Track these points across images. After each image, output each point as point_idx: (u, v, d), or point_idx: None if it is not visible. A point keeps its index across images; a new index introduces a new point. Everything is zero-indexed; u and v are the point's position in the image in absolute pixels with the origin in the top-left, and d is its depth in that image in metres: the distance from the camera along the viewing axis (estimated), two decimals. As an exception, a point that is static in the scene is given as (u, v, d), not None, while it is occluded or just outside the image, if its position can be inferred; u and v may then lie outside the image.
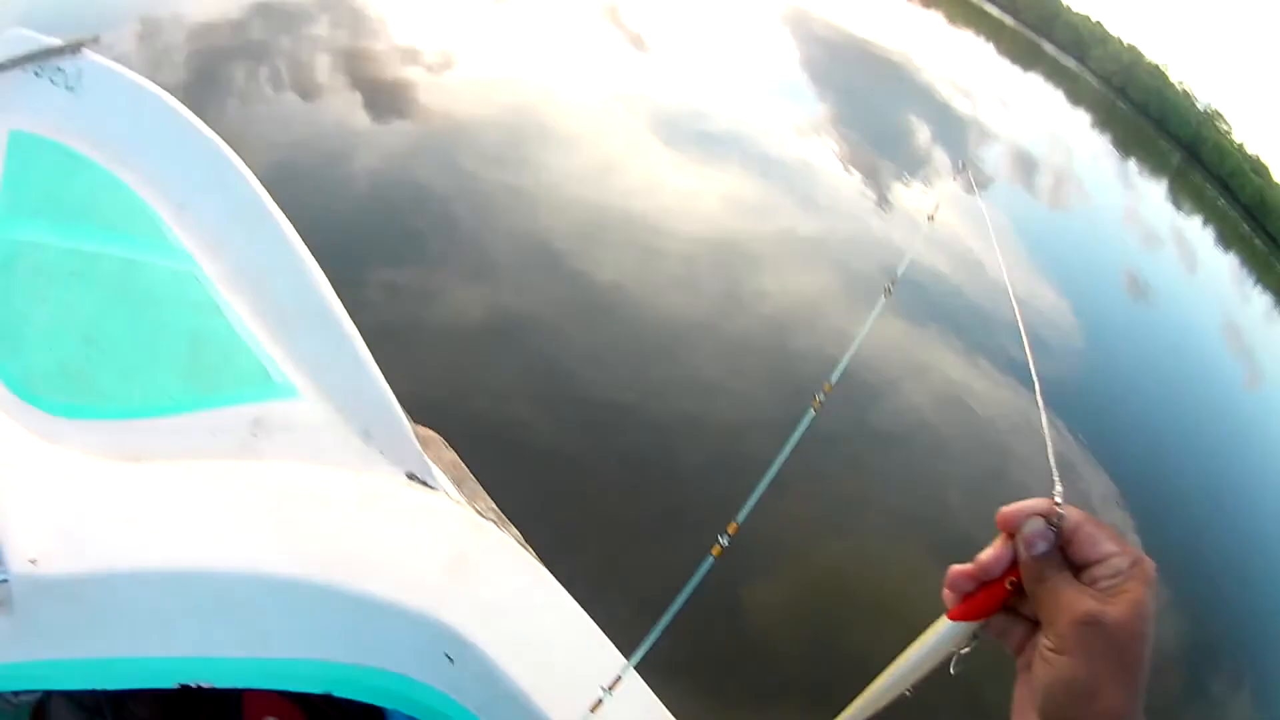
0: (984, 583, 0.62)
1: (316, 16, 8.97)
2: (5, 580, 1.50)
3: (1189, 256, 16.97)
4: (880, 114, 13.44)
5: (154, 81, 3.05)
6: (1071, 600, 0.57)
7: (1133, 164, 26.05)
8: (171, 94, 3.04)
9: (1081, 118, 30.05)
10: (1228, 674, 5.31)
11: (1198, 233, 22.13)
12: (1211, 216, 25.74)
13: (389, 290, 4.68)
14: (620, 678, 1.27)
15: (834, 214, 7.93)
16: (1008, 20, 55.94)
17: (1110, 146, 27.50)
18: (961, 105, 16.95)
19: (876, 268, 6.96)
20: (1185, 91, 51.87)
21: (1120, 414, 7.51)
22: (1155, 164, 29.59)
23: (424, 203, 5.83)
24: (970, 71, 22.17)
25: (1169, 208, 22.90)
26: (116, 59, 3.34)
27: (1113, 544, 0.59)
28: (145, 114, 3.15)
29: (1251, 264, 21.78)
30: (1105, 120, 32.80)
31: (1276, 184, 36.13)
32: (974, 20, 41.51)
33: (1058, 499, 0.61)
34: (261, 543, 1.41)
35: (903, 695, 0.66)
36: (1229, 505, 7.33)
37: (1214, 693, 5.07)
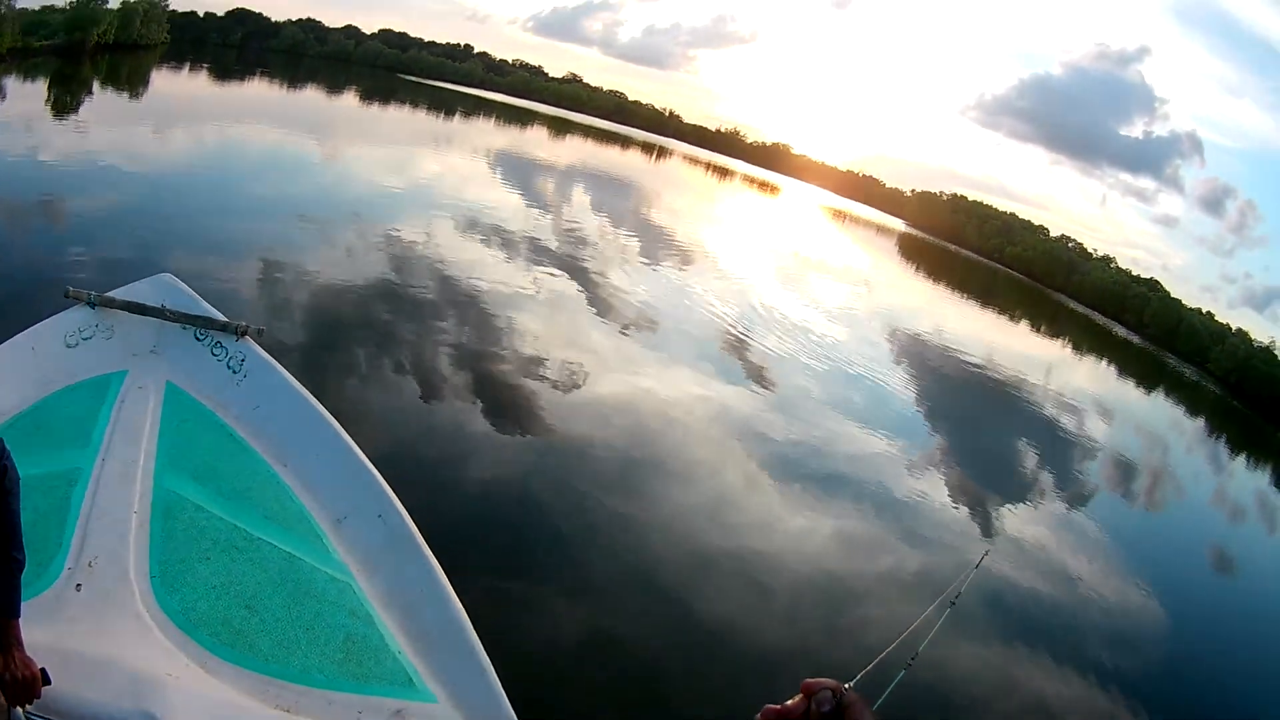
0: None
1: (443, 311, 10.66)
2: None
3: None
4: (992, 445, 14.60)
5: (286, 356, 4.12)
6: None
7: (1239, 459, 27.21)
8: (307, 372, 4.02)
9: (1197, 425, 31.30)
10: None
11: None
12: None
13: (492, 597, 4.95)
14: None
15: (939, 549, 8.54)
16: (1134, 339, 58.78)
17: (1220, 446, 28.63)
18: (1072, 428, 18.27)
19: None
20: None
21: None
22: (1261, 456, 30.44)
23: (533, 515, 6.32)
24: (1088, 396, 23.89)
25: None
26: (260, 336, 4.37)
27: None
28: (304, 422, 4.03)
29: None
30: (1220, 423, 33.99)
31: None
32: (1099, 344, 44.62)
33: (847, 686, 0.95)
34: None
35: None
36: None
37: None
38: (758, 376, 12.29)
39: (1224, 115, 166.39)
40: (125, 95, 28.11)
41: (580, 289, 14.06)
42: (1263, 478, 26.34)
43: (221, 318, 4.52)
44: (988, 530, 9.76)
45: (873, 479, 9.85)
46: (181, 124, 21.91)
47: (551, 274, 14.54)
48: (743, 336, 14.46)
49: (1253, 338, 61.94)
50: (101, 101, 24.60)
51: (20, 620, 2.25)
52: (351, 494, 3.64)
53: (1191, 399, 38.82)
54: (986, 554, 3.75)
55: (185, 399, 4.09)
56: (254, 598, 3.01)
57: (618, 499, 7.04)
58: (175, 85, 35.58)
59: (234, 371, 4.31)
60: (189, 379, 4.22)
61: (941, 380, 18.23)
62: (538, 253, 16.07)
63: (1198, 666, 8.56)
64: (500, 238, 16.47)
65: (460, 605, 3.09)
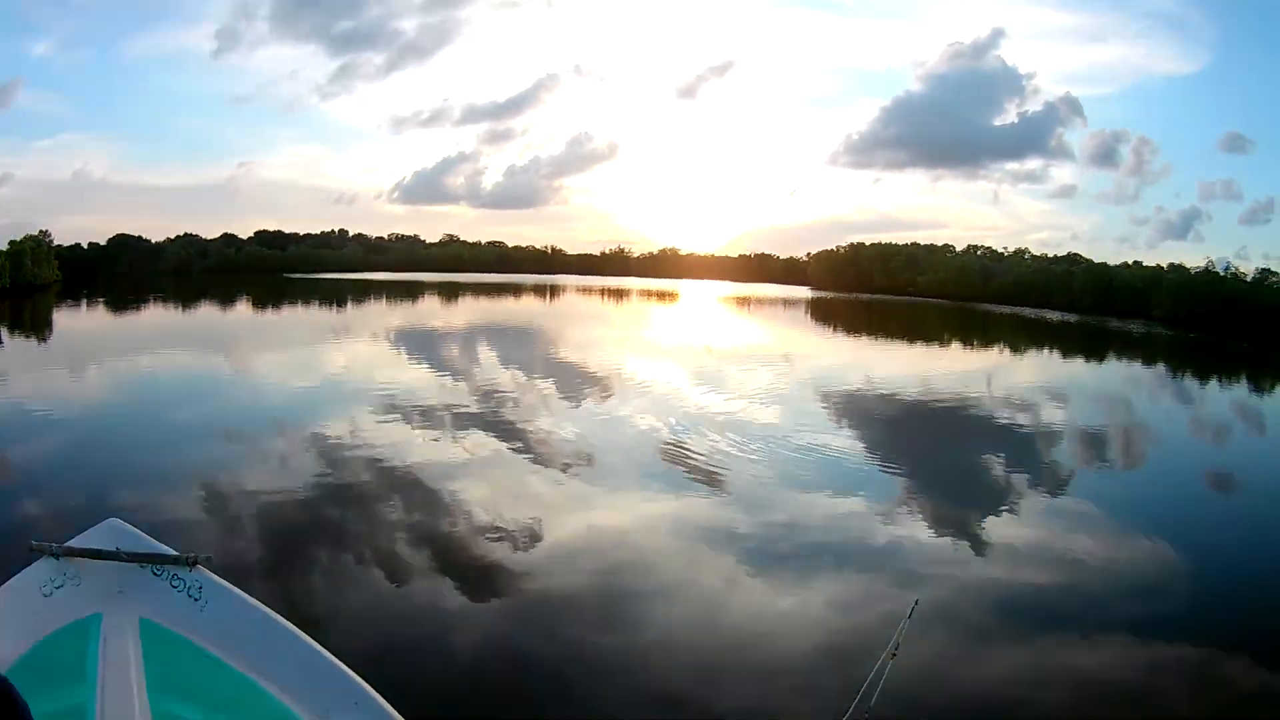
0: None
1: (388, 498, 10.75)
2: None
3: None
4: (957, 467, 14.89)
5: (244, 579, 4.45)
6: None
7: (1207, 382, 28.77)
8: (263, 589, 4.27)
9: (1158, 371, 32.73)
10: None
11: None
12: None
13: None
14: None
15: (933, 584, 8.49)
16: (1070, 318, 60.44)
17: (1183, 378, 30.28)
18: (1031, 423, 19.01)
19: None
20: (1236, 273, 55.01)
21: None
22: (1226, 367, 31.36)
23: (532, 675, 6.41)
24: (1041, 389, 25.21)
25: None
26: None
27: None
28: (271, 636, 4.31)
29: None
30: (1179, 360, 35.36)
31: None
32: (1037, 335, 46.10)
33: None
34: None
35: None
36: None
37: None
38: (705, 479, 12.33)
39: (1092, 64, 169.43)
40: (34, 340, 29.33)
41: (510, 444, 14.15)
42: (1238, 389, 27.07)
43: (172, 552, 4.86)
44: (977, 548, 9.90)
45: (847, 539, 9.98)
46: (95, 362, 23.41)
47: (480, 437, 14.68)
48: (679, 445, 14.52)
49: (1187, 266, 64.17)
50: (13, 349, 25.86)
51: None
52: (328, 689, 3.89)
53: (1145, 349, 39.91)
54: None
55: (159, 630, 4.42)
56: None
57: (610, 633, 7.22)
58: (79, 323, 37.04)
59: (195, 599, 4.63)
60: (158, 612, 4.55)
61: (888, 424, 18.63)
62: (460, 419, 16.21)
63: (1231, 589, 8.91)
64: (420, 413, 16.60)
65: None
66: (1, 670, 3.25)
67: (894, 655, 2.65)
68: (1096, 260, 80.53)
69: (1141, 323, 54.84)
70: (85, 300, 44.06)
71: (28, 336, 30.10)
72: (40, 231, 54.74)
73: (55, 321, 36.09)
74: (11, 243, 45.30)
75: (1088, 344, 43.26)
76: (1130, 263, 74.78)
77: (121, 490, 10.36)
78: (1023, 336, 47.29)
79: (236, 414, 16.51)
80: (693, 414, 17.86)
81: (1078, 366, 34.16)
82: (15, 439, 13.17)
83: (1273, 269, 54.83)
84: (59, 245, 57.84)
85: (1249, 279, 55.55)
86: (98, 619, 4.43)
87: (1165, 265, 67.63)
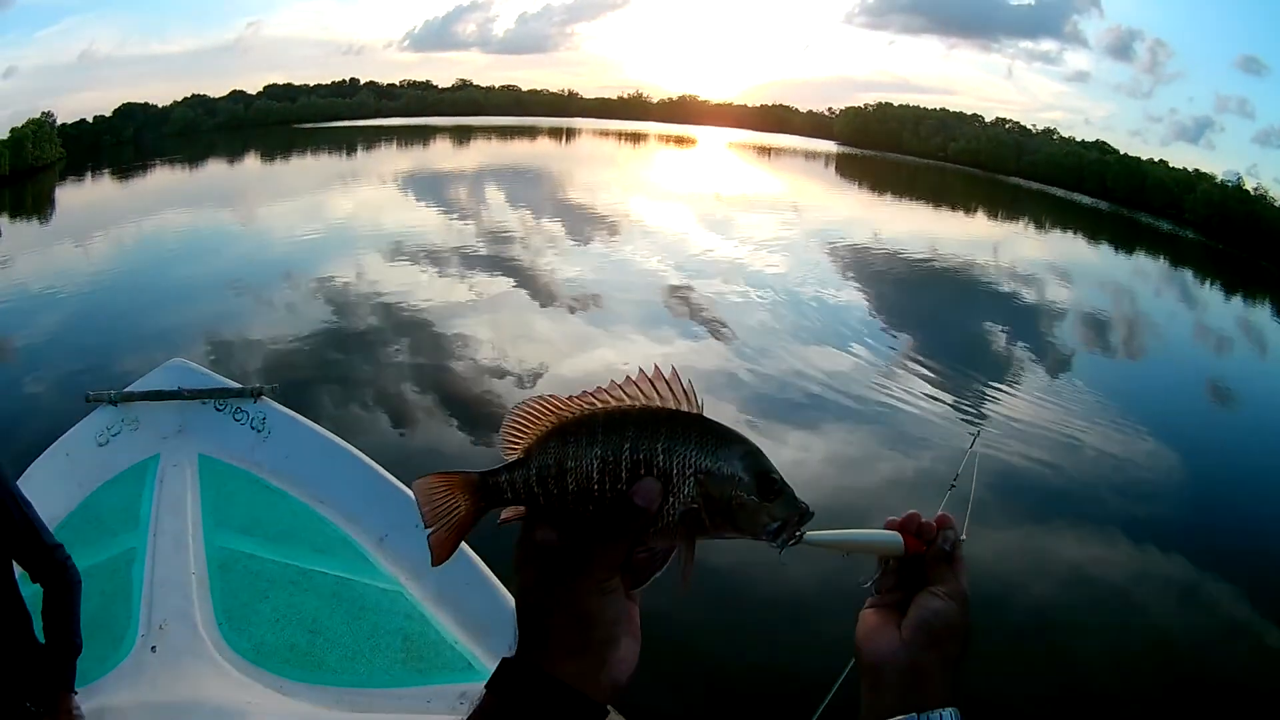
0: (920, 533, 1.03)
1: (395, 340, 11.22)
2: None
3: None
4: (965, 332, 15.18)
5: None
6: (957, 580, 1.02)
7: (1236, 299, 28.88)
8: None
9: (1189, 276, 32.75)
10: None
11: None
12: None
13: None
14: None
15: (930, 445, 9.07)
16: (1101, 205, 60.09)
17: (1215, 293, 30.29)
18: (1055, 300, 19.16)
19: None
20: (1266, 196, 55.43)
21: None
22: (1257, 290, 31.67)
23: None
24: (1068, 270, 24.82)
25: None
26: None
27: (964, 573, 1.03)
28: (334, 461, 4.58)
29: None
30: (1213, 271, 35.54)
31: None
32: (1067, 217, 45.84)
33: (964, 535, 1.04)
34: None
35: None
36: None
37: None
38: (710, 324, 12.75)
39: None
40: (36, 222, 28.48)
41: (519, 286, 14.53)
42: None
43: (236, 385, 5.07)
44: (980, 411, 10.37)
45: (850, 392, 10.42)
46: (95, 233, 21.87)
47: (488, 279, 15.02)
48: (685, 290, 14.93)
49: (1204, 171, 63.80)
50: (15, 234, 24.42)
51: (103, 690, 2.78)
52: (388, 513, 4.09)
53: (1178, 250, 40.06)
54: (977, 434, 4.00)
55: (218, 465, 4.61)
56: (315, 622, 3.47)
57: None
58: (81, 197, 36.26)
59: (258, 431, 4.82)
60: (218, 447, 4.73)
61: (901, 283, 18.89)
62: (468, 260, 16.53)
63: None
64: (426, 256, 16.84)
65: (507, 590, 3.42)
66: (53, 525, 3.33)
67: (953, 487, 2.76)
68: (1119, 149, 79.08)
69: (1171, 224, 54.64)
70: (89, 175, 42.29)
71: (29, 219, 29.12)
72: (43, 113, 52.26)
73: (57, 200, 34.58)
74: (13, 130, 43.62)
75: (1118, 233, 43.17)
76: (1157, 160, 73.87)
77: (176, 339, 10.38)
78: (1054, 215, 46.96)
79: (246, 266, 16.36)
80: (698, 261, 18.20)
81: (1114, 256, 34.30)
82: (25, 319, 12.60)
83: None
84: (63, 124, 55.39)
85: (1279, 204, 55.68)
86: (155, 461, 4.60)
87: (1191, 169, 66.97)
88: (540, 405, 0.88)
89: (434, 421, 8.72)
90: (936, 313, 16.72)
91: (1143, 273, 31.19)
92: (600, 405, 0.87)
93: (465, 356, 10.63)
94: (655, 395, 0.88)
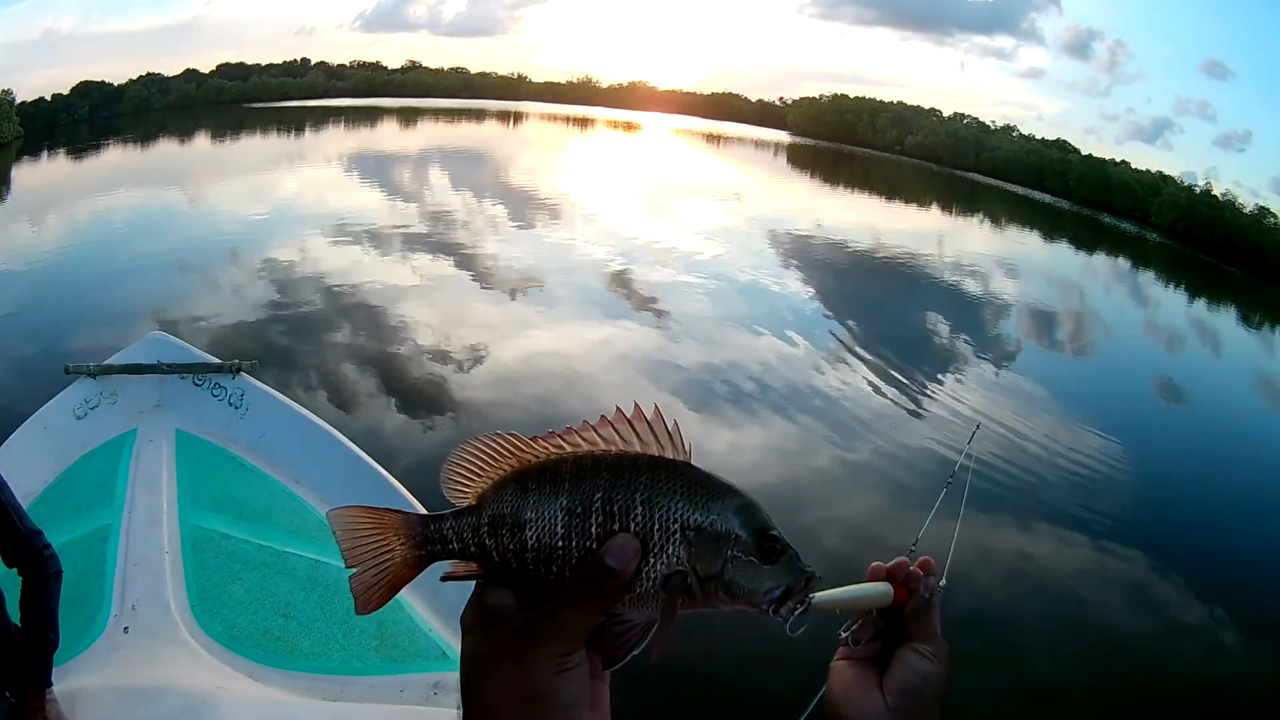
0: (905, 582, 0.95)
1: (337, 321, 11.02)
2: None
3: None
4: (911, 324, 15.22)
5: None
6: (940, 635, 0.96)
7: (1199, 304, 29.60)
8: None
9: (1151, 278, 33.29)
10: None
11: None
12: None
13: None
14: None
15: (873, 433, 9.07)
16: (1064, 205, 61.00)
17: (1179, 295, 30.87)
18: (1002, 295, 19.21)
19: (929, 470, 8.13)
20: (1235, 203, 56.68)
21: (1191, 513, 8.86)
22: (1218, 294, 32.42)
23: None
24: (1033, 267, 25.42)
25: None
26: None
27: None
28: (312, 440, 4.58)
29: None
30: (1178, 274, 36.12)
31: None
32: (1025, 217, 46.46)
33: (943, 581, 1.04)
34: None
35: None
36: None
37: None
38: (650, 309, 12.74)
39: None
40: None
41: (460, 269, 14.56)
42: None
43: (215, 360, 5.08)
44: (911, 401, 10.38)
45: (783, 380, 10.42)
46: (61, 211, 21.23)
47: (429, 261, 15.09)
48: (625, 275, 14.92)
49: (1182, 182, 64.91)
50: None
51: (75, 672, 2.84)
52: (364, 495, 3.86)
53: (1139, 251, 40.79)
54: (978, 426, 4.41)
55: (195, 442, 4.64)
56: (288, 605, 3.47)
57: None
58: (38, 175, 35.84)
59: (236, 407, 4.87)
60: (196, 423, 4.78)
61: (840, 273, 19.00)
62: (412, 242, 16.58)
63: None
64: (371, 237, 16.79)
65: None
66: (30, 499, 3.37)
67: (949, 484, 2.92)
68: (1078, 148, 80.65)
69: (1135, 224, 55.85)
70: (45, 153, 42.31)
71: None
72: (3, 91, 51.93)
73: (13, 178, 34.07)
74: (-31, 107, 42.93)
75: (1080, 232, 43.92)
76: (1118, 160, 75.10)
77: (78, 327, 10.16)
78: (1017, 212, 47.59)
79: (191, 245, 16.10)
80: (638, 246, 18.17)
81: (1084, 257, 34.69)
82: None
83: (1268, 206, 55.87)
84: (22, 102, 55.11)
85: (1247, 211, 56.72)
86: (131, 435, 4.60)
87: (1155, 171, 68.24)
88: (496, 444, 0.78)
89: (363, 410, 8.50)
90: (878, 302, 16.89)
91: (1109, 272, 31.73)
92: (569, 449, 0.77)
93: (400, 341, 10.50)
94: (635, 438, 0.78)
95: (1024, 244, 33.42)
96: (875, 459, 8.47)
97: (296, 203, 22.50)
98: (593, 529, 0.73)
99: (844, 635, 0.98)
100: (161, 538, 3.75)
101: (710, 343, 11.48)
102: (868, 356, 11.90)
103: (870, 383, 10.77)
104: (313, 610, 3.46)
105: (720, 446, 8.24)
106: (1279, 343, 26.68)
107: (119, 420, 4.75)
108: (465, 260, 15.05)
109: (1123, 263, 35.84)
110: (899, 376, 11.20)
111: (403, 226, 18.28)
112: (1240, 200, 57.68)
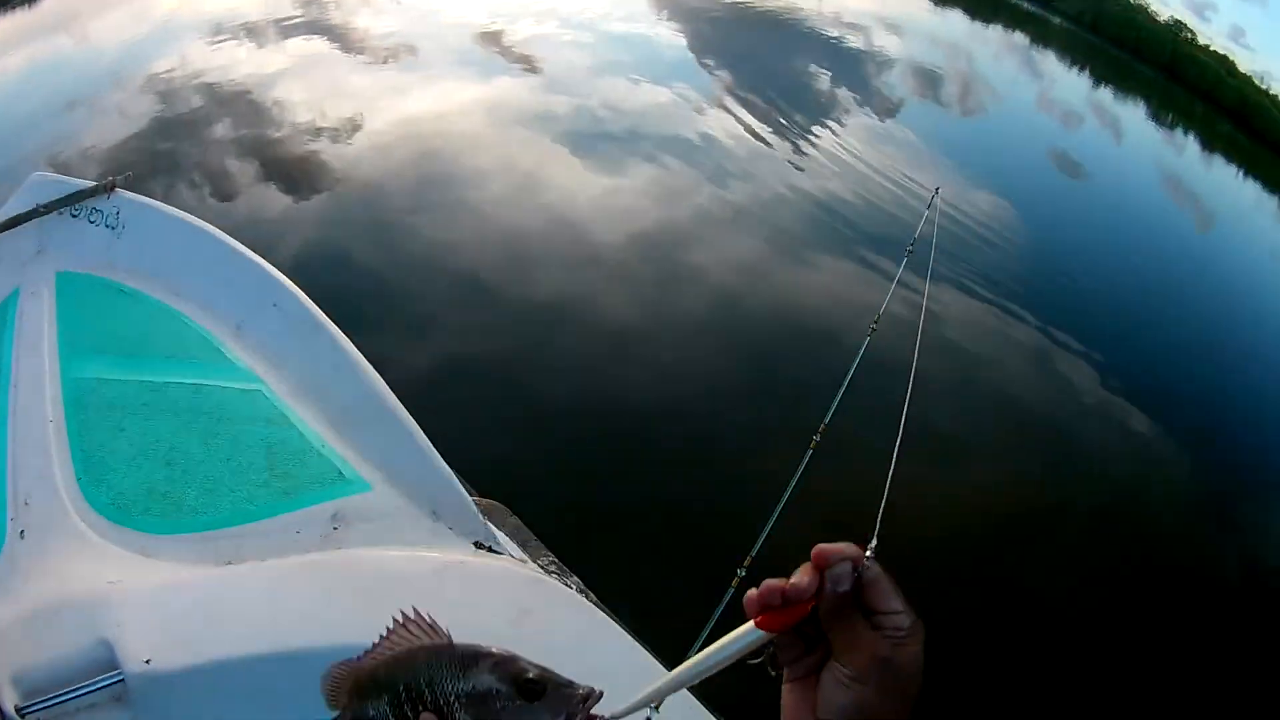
0: (789, 602, 0.77)
1: (217, 116, 10.59)
2: (122, 679, 1.94)
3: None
4: (796, 73, 15.19)
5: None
6: (870, 641, 0.76)
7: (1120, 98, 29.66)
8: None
9: (1052, 59, 32.92)
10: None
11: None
12: (1200, 130, 29.74)
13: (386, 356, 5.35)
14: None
15: (752, 178, 9.22)
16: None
17: (1091, 81, 30.77)
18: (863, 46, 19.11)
19: (802, 218, 8.43)
20: (1149, 10, 55.83)
21: (1083, 285, 9.18)
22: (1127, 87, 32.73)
23: (347, 269, 6.64)
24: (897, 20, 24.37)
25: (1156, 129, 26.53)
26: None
27: (900, 603, 0.77)
28: (189, 244, 4.01)
29: (1240, 160, 26.29)
30: (1084, 59, 35.68)
31: (1244, 75, 41.64)
32: None
33: (869, 552, 0.78)
34: (347, 622, 1.65)
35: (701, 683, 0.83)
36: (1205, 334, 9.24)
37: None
38: (524, 63, 12.53)
39: None
40: None
41: (333, 42, 14.00)
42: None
43: (90, 184, 4.36)
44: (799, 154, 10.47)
45: (669, 128, 10.41)
46: None
47: (304, 41, 14.31)
48: (499, 34, 14.45)
49: None
50: None
51: None
52: (244, 293, 3.57)
53: (1042, 32, 40.23)
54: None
55: (74, 279, 4.08)
56: (170, 450, 3.03)
57: (423, 219, 7.57)
58: None
59: (113, 228, 4.21)
60: (76, 259, 4.16)
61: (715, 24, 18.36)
62: (285, 29, 15.39)
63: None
64: (247, 31, 15.39)
65: (376, 375, 3.03)
66: None
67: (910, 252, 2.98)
68: None
69: (1038, 6, 53.82)
70: None
71: None
72: None
73: None
74: None
75: (985, 6, 42.79)
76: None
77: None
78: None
79: (79, 81, 14.35)
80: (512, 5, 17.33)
81: (976, 27, 33.79)
82: None
83: (1184, 20, 55.15)
84: None
85: (1161, 20, 55.79)
86: (14, 296, 4.07)
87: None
88: (341, 668, 0.89)
89: (260, 187, 8.38)
90: (755, 52, 16.41)
91: (1003, 44, 31.48)
92: (377, 657, 0.88)
93: (276, 124, 10.14)
94: (411, 636, 0.88)
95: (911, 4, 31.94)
96: (749, 203, 8.65)
97: (175, 16, 21.15)
98: (407, 712, 0.84)
99: (773, 673, 0.85)
100: (44, 405, 3.28)
101: (585, 92, 11.39)
102: (753, 100, 11.93)
103: (749, 128, 10.80)
104: (195, 449, 3.08)
105: (598, 190, 8.41)
106: (1191, 145, 26.79)
107: (2, 282, 4.20)
108: (338, 36, 14.37)
109: (1020, 37, 35.03)
110: (781, 121, 11.28)
111: (277, 17, 16.61)
112: (1154, 8, 56.89)
